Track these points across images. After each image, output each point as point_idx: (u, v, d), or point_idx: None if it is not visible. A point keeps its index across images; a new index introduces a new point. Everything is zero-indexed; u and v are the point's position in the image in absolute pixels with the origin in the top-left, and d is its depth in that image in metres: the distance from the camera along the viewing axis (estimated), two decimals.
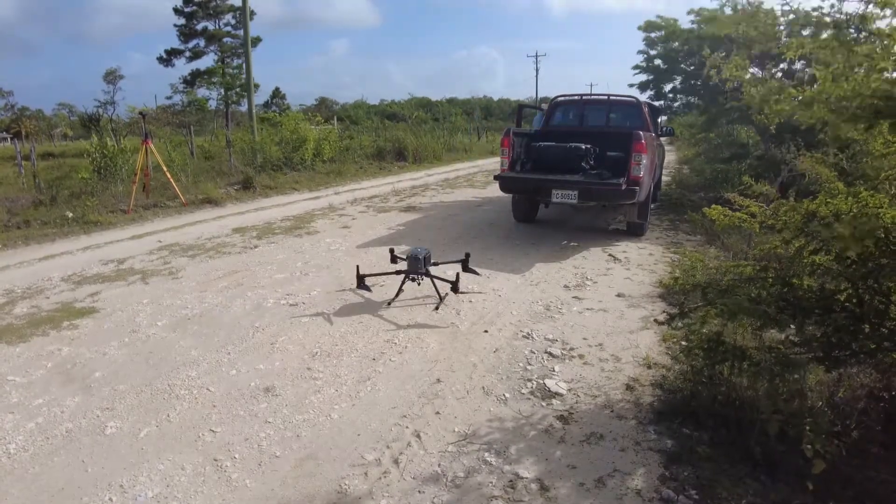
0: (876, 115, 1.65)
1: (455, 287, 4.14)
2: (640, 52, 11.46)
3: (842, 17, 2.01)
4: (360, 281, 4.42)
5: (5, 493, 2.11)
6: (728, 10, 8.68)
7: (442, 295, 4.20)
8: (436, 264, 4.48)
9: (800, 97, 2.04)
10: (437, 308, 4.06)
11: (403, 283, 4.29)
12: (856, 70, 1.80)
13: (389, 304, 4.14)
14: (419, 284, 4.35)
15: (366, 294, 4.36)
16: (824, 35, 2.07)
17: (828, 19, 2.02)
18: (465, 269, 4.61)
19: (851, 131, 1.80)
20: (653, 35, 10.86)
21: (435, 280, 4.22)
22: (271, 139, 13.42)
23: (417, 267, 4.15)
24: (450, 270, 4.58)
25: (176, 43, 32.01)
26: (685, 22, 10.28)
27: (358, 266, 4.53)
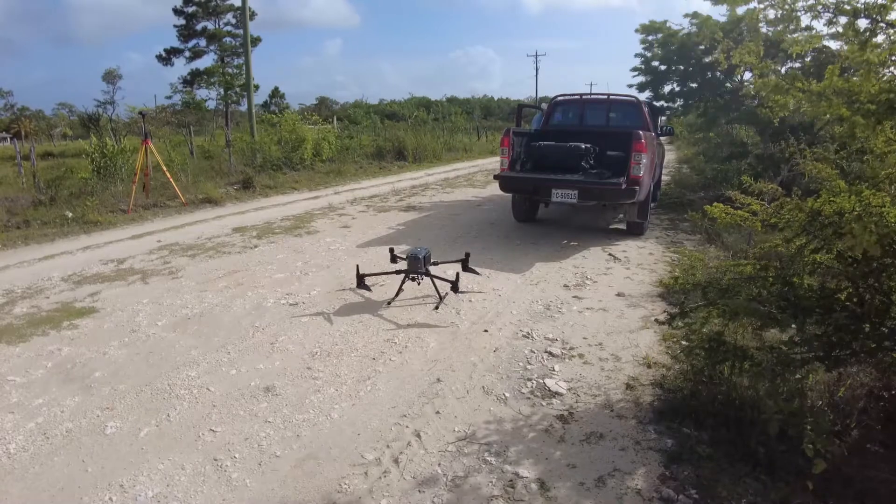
0: (888, 111, 1.64)
1: (455, 286, 4.14)
2: (637, 55, 11.48)
3: (860, 5, 2.00)
4: (360, 280, 4.42)
5: (5, 493, 2.11)
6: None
7: (442, 294, 4.20)
8: (435, 264, 4.47)
9: (808, 90, 2.03)
10: (437, 307, 4.06)
11: (403, 282, 4.28)
12: (871, 62, 1.79)
13: (389, 303, 4.13)
14: (419, 284, 4.35)
15: (366, 294, 4.36)
16: (842, 20, 2.07)
17: (847, 7, 2.01)
18: (465, 268, 4.61)
19: (867, 129, 1.79)
20: (650, 38, 10.88)
21: (435, 279, 4.22)
22: (270, 139, 13.42)
23: (417, 266, 4.15)
24: (450, 270, 4.57)
25: (175, 43, 32.08)
26: (677, 23, 10.34)
27: (358, 266, 4.53)
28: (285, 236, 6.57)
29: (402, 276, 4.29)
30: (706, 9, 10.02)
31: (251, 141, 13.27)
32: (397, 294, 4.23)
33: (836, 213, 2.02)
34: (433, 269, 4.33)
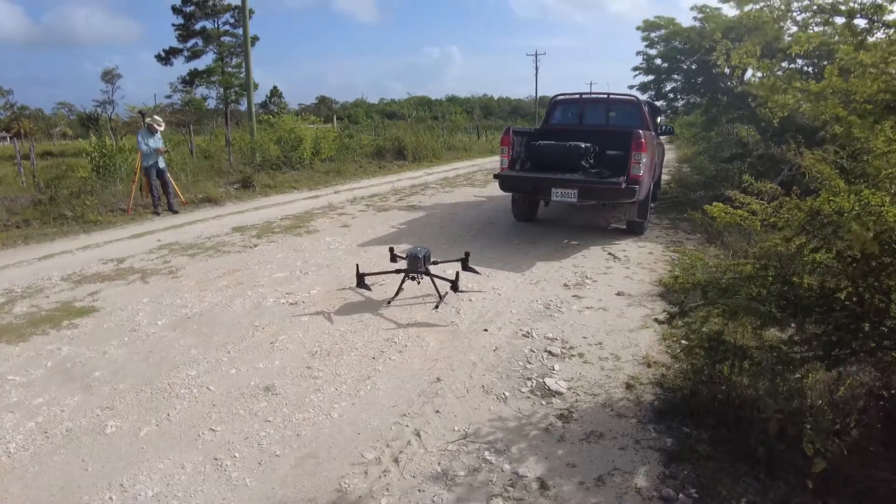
0: (886, 111, 1.64)
1: (455, 286, 4.14)
2: (639, 52, 11.44)
3: (856, 6, 2.00)
4: (360, 280, 4.43)
5: (6, 492, 2.11)
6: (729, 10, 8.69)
7: (441, 294, 4.20)
8: (435, 263, 4.48)
9: (807, 89, 2.03)
10: (436, 307, 4.06)
11: (403, 281, 4.29)
12: (864, 63, 1.79)
13: (389, 302, 4.14)
14: (419, 283, 4.36)
15: (365, 293, 4.36)
16: (838, 21, 2.07)
17: (843, 7, 2.01)
18: (465, 267, 4.61)
19: (864, 129, 1.79)
20: (653, 35, 10.84)
21: (434, 279, 4.22)
22: (270, 138, 13.41)
23: (417, 266, 4.16)
24: (449, 269, 4.57)
25: (174, 42, 32.09)
26: (686, 20, 10.28)
27: (357, 265, 4.54)
28: (285, 235, 6.57)
29: (402, 275, 4.29)
30: (713, 2, 9.93)
31: (251, 140, 13.26)
32: (397, 293, 4.23)
33: (836, 212, 2.02)
34: (433, 269, 4.33)
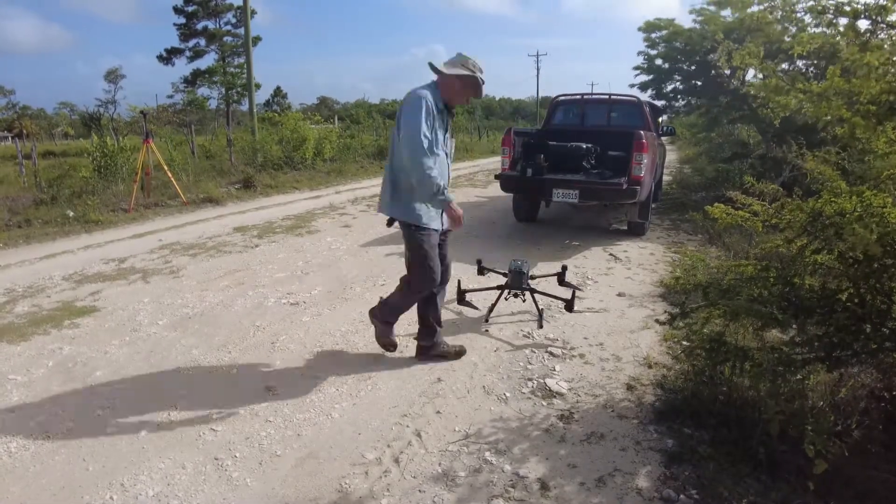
0: (890, 112, 1.64)
1: (570, 305, 3.82)
2: (640, 52, 11.47)
3: (860, 6, 2.00)
4: (462, 296, 3.99)
5: (6, 492, 2.11)
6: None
7: (541, 310, 3.85)
8: (533, 278, 4.06)
9: (809, 90, 2.03)
10: (540, 326, 3.75)
11: (499, 298, 3.95)
12: (870, 64, 1.79)
13: (487, 320, 3.83)
14: (524, 301, 3.99)
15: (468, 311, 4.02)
16: (842, 22, 2.07)
17: (847, 8, 2.01)
18: (562, 282, 4.19)
19: (867, 130, 1.79)
20: (654, 36, 10.88)
21: (537, 295, 3.88)
22: (272, 138, 13.44)
23: (521, 282, 3.82)
24: (542, 282, 4.15)
25: (176, 42, 32.17)
26: (685, 22, 10.31)
27: (459, 280, 4.04)
28: (286, 236, 6.57)
29: (501, 291, 3.93)
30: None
31: (252, 140, 13.29)
32: (491, 310, 3.92)
33: (838, 213, 2.02)
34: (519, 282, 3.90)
